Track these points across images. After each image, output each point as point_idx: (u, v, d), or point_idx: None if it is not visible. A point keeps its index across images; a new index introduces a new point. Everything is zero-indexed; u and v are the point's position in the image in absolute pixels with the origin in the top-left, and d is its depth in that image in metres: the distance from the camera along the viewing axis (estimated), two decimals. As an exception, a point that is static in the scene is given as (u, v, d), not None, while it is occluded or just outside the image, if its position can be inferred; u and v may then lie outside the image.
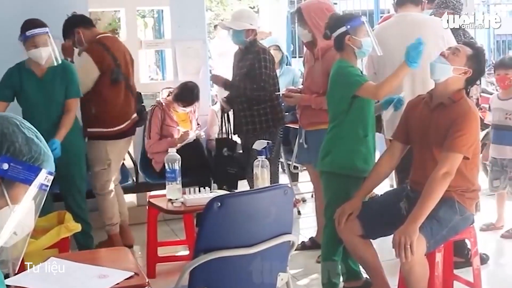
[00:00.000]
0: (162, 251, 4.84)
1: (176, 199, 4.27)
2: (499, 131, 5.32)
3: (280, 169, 6.26)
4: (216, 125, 6.16)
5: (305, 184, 6.64)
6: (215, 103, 7.02)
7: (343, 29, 3.95)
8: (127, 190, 5.67)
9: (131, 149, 5.69)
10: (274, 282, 2.88)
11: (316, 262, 4.67)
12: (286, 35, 10.99)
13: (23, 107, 4.78)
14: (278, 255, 2.89)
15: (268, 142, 3.87)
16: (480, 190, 3.79)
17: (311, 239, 5.15)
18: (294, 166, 6.21)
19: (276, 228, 2.84)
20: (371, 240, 3.83)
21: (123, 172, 5.65)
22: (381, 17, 8.43)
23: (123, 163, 5.62)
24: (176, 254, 5.04)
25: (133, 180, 5.81)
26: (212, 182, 5.40)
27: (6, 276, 1.71)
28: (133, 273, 2.57)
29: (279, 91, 5.27)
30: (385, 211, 3.75)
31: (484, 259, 4.63)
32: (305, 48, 5.22)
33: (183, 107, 5.81)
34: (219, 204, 2.65)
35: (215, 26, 10.98)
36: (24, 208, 1.56)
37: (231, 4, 17.66)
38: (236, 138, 5.73)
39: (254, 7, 13.70)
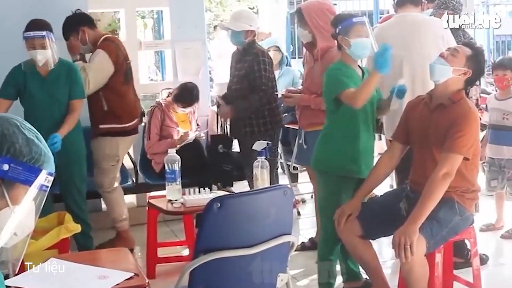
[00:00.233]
0: (162, 252, 4.84)
1: (176, 200, 4.27)
2: (496, 131, 5.32)
3: (280, 170, 6.26)
4: (213, 126, 6.17)
5: (305, 184, 6.64)
6: (215, 104, 7.02)
7: (337, 29, 3.99)
8: (126, 191, 5.66)
9: (130, 150, 5.69)
10: (274, 282, 2.88)
11: (315, 263, 4.66)
12: (285, 35, 11.01)
13: (25, 106, 4.78)
14: (278, 255, 2.89)
15: (267, 143, 3.87)
16: (480, 191, 3.80)
17: (310, 239, 5.15)
18: (294, 166, 6.21)
19: (275, 228, 2.84)
20: (370, 240, 3.84)
21: (122, 172, 5.65)
22: (381, 17, 8.44)
23: (122, 164, 5.62)
24: (176, 255, 5.04)
25: (133, 181, 5.81)
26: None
27: (6, 277, 1.71)
28: (133, 274, 2.57)
29: (277, 94, 5.27)
30: (384, 212, 3.75)
31: (483, 260, 4.63)
32: (304, 49, 5.22)
33: (183, 107, 5.81)
34: (219, 204, 2.65)
35: (215, 27, 10.98)
36: (24, 209, 1.56)
37: (230, 5, 17.67)
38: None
39: (253, 8, 13.69)
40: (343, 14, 4.22)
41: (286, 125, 5.96)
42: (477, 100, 4.71)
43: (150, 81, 10.71)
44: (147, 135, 5.74)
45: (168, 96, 5.89)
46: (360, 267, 4.14)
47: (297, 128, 5.32)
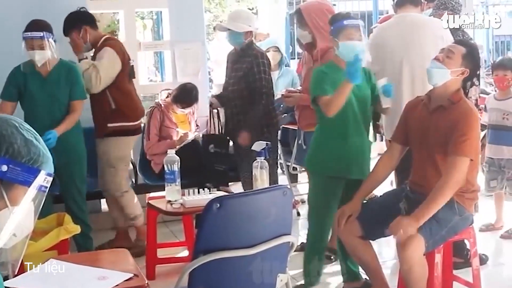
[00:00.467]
0: (161, 253, 4.84)
1: (175, 201, 4.27)
2: (496, 131, 5.32)
3: (279, 170, 6.25)
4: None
5: (304, 185, 6.62)
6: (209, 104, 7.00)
7: (330, 29, 4.05)
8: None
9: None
10: (273, 283, 2.88)
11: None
12: (284, 36, 11.00)
13: (26, 106, 4.79)
14: (278, 256, 2.89)
15: (267, 143, 3.87)
16: (479, 191, 3.80)
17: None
18: (293, 167, 6.21)
19: (275, 229, 2.84)
20: (370, 241, 3.84)
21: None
22: (380, 18, 8.43)
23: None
24: (176, 256, 5.03)
25: (132, 181, 5.81)
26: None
27: (6, 278, 1.71)
28: (132, 275, 2.57)
29: (274, 96, 5.25)
30: (384, 212, 3.75)
31: (483, 260, 4.64)
32: (298, 48, 5.23)
33: (182, 108, 5.81)
34: (218, 205, 2.66)
35: (214, 28, 10.97)
36: (23, 210, 1.55)
37: (229, 6, 17.64)
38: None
39: (252, 9, 13.69)
40: (339, 14, 4.23)
41: (285, 126, 5.96)
42: (476, 100, 4.71)
43: (150, 81, 10.70)
44: (146, 136, 5.74)
45: (167, 97, 5.89)
46: (359, 267, 4.15)
47: (297, 128, 5.32)
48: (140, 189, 5.84)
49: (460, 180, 3.45)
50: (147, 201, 4.75)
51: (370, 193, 4.02)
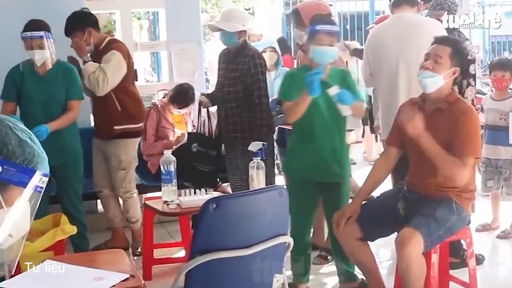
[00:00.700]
0: (158, 253, 4.84)
1: (172, 201, 4.28)
2: (493, 132, 5.33)
3: (276, 171, 6.24)
4: (214, 125, 6.11)
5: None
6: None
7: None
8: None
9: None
10: (270, 283, 2.88)
11: (311, 263, 4.67)
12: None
13: (22, 105, 4.79)
14: (274, 256, 2.89)
15: (263, 144, 3.88)
16: (476, 191, 3.82)
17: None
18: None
19: (272, 229, 2.84)
20: (368, 242, 3.85)
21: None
22: (376, 18, 8.44)
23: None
24: (172, 256, 5.03)
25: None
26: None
27: (2, 279, 1.71)
28: (129, 275, 2.57)
29: (268, 97, 5.22)
30: (383, 212, 3.76)
31: (479, 260, 4.64)
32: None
33: (179, 109, 5.81)
34: (215, 205, 2.65)
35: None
36: (19, 210, 1.55)
37: (226, 6, 17.65)
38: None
39: (249, 9, 13.70)
40: (316, 17, 4.24)
41: (282, 126, 5.95)
42: (472, 100, 4.71)
43: (146, 82, 10.70)
44: (143, 136, 5.72)
45: (164, 97, 5.89)
46: (356, 268, 4.16)
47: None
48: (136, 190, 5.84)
49: (465, 176, 3.49)
50: (143, 202, 4.75)
51: (369, 195, 4.03)
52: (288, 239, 2.92)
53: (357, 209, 3.78)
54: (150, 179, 5.69)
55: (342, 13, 14.11)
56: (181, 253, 5.03)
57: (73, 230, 4.10)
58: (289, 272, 4.24)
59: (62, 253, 4.05)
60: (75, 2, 5.39)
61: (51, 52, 4.69)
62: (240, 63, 4.88)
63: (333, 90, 3.90)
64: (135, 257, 5.12)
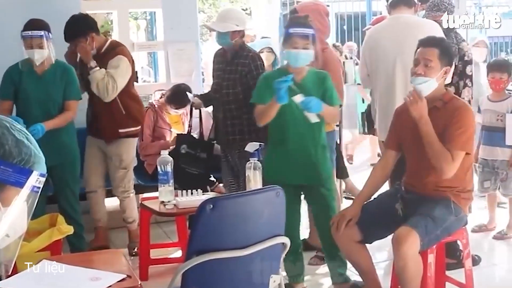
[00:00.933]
0: (154, 253, 4.83)
1: (169, 201, 4.28)
2: (490, 133, 5.33)
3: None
4: (210, 126, 6.10)
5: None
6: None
7: None
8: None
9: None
10: (266, 283, 2.88)
11: (308, 264, 4.68)
12: (278, 37, 11.00)
13: (20, 104, 4.79)
14: (271, 256, 2.89)
15: (260, 144, 3.88)
16: (473, 191, 3.83)
17: (303, 241, 5.13)
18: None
19: (268, 230, 2.84)
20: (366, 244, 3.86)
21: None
22: (373, 19, 8.44)
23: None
24: (169, 256, 5.03)
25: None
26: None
27: (-2, 279, 1.71)
28: (125, 276, 2.57)
29: None
30: (381, 214, 3.77)
31: (476, 261, 4.65)
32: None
33: (176, 109, 5.81)
34: (212, 206, 2.65)
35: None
36: (16, 210, 1.55)
37: (223, 6, 17.64)
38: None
39: (246, 9, 13.69)
40: (292, 20, 4.25)
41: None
42: (469, 101, 4.71)
43: (143, 82, 10.67)
44: (140, 137, 5.72)
45: (161, 98, 5.89)
46: (348, 270, 4.19)
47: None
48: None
49: (453, 170, 3.51)
50: (140, 202, 4.74)
51: (369, 198, 4.02)
52: (284, 240, 2.92)
53: (357, 212, 3.79)
54: (147, 179, 5.69)
55: (339, 13, 14.13)
56: (178, 253, 5.03)
57: (70, 230, 4.10)
58: (285, 273, 4.24)
59: (59, 253, 4.05)
60: (72, 2, 5.38)
61: (50, 51, 4.69)
62: (240, 65, 4.77)
63: (298, 98, 3.85)
64: (132, 257, 5.11)
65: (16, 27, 4.74)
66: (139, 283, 2.58)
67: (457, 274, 3.99)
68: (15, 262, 1.65)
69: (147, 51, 9.60)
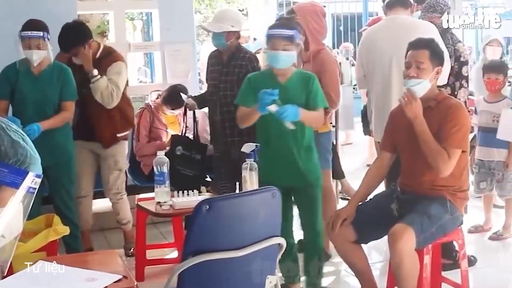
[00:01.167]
0: (150, 254, 4.84)
1: (165, 202, 4.28)
2: (486, 134, 5.34)
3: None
4: (207, 127, 6.08)
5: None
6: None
7: None
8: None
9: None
10: (262, 284, 2.88)
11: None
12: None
13: (16, 104, 4.77)
14: (267, 257, 2.89)
15: (256, 145, 3.87)
16: (469, 190, 3.84)
17: (299, 241, 5.14)
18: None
19: (264, 230, 2.84)
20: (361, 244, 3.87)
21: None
22: (369, 19, 8.46)
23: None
24: (165, 257, 5.04)
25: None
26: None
27: (-6, 279, 1.71)
28: (121, 276, 2.56)
29: None
30: (377, 214, 3.78)
31: (472, 261, 4.66)
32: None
33: (172, 109, 5.81)
34: (208, 207, 2.65)
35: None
36: (12, 211, 1.55)
37: (220, 7, 17.64)
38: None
39: (243, 10, 13.70)
40: (276, 21, 4.26)
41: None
42: (465, 102, 4.72)
43: (139, 83, 10.70)
44: (136, 137, 5.72)
45: (157, 98, 5.89)
46: (322, 279, 4.28)
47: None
48: (129, 191, 5.81)
49: (450, 168, 3.54)
50: (136, 203, 4.74)
51: (365, 199, 4.02)
52: (280, 241, 2.92)
53: (353, 212, 3.80)
54: (143, 180, 5.69)
55: (335, 14, 14.16)
56: (174, 254, 5.04)
57: (65, 230, 4.09)
58: (281, 274, 4.24)
59: (55, 253, 4.05)
60: (69, 3, 5.37)
61: (48, 52, 4.69)
62: (237, 66, 4.76)
63: (272, 108, 3.82)
64: (128, 258, 5.11)
65: (13, 28, 4.72)
66: (135, 283, 2.58)
67: (453, 275, 4.00)
68: (11, 262, 1.65)
69: (143, 52, 9.59)
